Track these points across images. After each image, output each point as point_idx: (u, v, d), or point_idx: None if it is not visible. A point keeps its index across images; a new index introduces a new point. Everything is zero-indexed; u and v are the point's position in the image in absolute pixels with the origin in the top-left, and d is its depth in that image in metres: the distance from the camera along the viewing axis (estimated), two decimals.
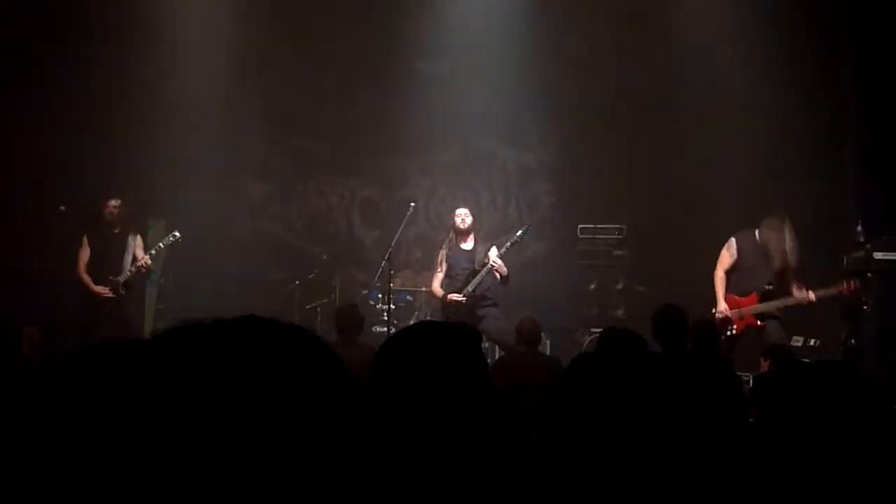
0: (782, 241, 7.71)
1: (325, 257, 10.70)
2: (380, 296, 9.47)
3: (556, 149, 11.32)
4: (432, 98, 10.91)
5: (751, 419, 5.04)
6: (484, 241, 8.77)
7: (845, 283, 7.63)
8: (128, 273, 8.54)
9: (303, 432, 0.70)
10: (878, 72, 9.60)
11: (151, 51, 10.25)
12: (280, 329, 0.76)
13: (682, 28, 10.41)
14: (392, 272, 9.00)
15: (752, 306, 7.73)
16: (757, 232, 7.91)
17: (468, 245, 8.66)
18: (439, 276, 8.71)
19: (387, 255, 8.81)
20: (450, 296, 8.42)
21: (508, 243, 8.52)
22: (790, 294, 7.72)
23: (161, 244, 8.60)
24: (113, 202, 8.59)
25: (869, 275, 8.49)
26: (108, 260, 8.55)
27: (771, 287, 7.73)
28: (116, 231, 8.62)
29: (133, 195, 8.86)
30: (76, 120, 9.73)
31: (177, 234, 8.59)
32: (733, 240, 7.93)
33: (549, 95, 10.89)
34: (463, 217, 8.66)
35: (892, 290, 8.43)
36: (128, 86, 10.05)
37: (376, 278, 9.19)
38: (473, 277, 8.44)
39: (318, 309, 10.01)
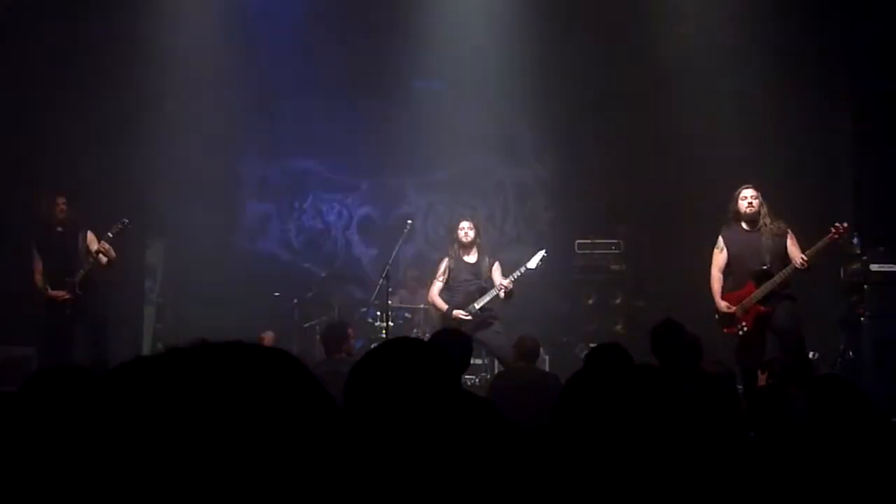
0: (782, 244, 7.51)
1: (323, 276, 10.71)
2: (378, 313, 9.47)
3: (553, 165, 11.36)
4: (429, 116, 10.95)
5: (752, 433, 5.04)
6: (486, 254, 8.71)
7: (833, 228, 7.27)
8: (82, 271, 8.35)
9: (278, 449, 0.72)
10: (876, 87, 9.66)
11: (148, 72, 10.27)
12: (261, 353, 0.79)
13: (677, 43, 10.47)
14: (390, 290, 9.00)
15: (752, 294, 7.43)
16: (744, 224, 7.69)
17: (471, 258, 8.61)
18: (438, 285, 8.64)
19: (385, 273, 8.81)
20: (455, 312, 8.34)
21: (521, 270, 8.44)
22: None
23: (110, 233, 8.27)
24: (60, 200, 8.39)
25: (866, 286, 8.50)
26: (61, 261, 8.34)
27: (766, 267, 7.41)
28: (61, 230, 8.40)
29: (131, 216, 8.80)
30: (74, 139, 9.75)
31: (126, 220, 8.33)
32: (720, 236, 7.71)
33: (546, 112, 10.93)
34: (466, 230, 8.61)
35: (889, 301, 8.43)
36: (126, 106, 10.07)
37: (374, 296, 9.19)
38: (480, 295, 8.39)
39: (317, 327, 10.02)
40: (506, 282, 8.29)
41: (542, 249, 8.64)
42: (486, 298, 8.35)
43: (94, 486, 0.71)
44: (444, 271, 8.60)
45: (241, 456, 0.71)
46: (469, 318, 8.25)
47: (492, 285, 8.43)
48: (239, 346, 0.78)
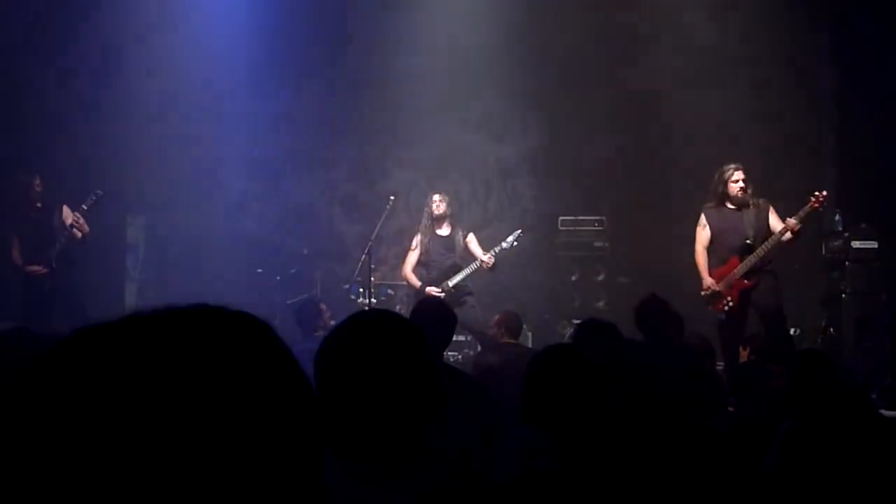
0: (764, 219, 7.49)
1: (305, 252, 10.67)
2: (361, 290, 9.45)
3: (536, 142, 11.33)
4: (412, 92, 10.89)
5: (731, 408, 5.07)
6: (460, 228, 8.67)
7: (812, 197, 7.27)
8: (58, 245, 8.34)
9: (248, 419, 0.69)
10: (857, 66, 9.68)
11: (133, 47, 10.18)
12: (230, 317, 0.75)
13: (662, 20, 10.45)
14: (372, 266, 8.98)
15: (736, 269, 7.42)
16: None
17: (444, 231, 8.57)
18: (412, 261, 8.60)
19: (367, 250, 8.78)
20: (428, 289, 8.33)
21: (499, 247, 8.40)
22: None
23: (84, 206, 8.26)
24: (36, 181, 8.41)
25: (847, 263, 8.54)
26: (38, 237, 8.37)
27: (749, 241, 7.40)
28: (39, 206, 8.43)
29: (112, 194, 8.74)
30: (51, 117, 9.66)
31: (99, 192, 8.32)
32: (703, 214, 7.69)
33: (529, 88, 10.91)
34: (437, 202, 8.57)
35: (870, 278, 8.48)
36: (106, 83, 9.99)
37: (357, 272, 9.17)
38: (455, 271, 8.37)
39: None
40: (485, 257, 8.27)
41: (518, 229, 8.63)
42: (462, 276, 8.33)
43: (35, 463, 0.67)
44: (417, 246, 8.57)
45: (204, 429, 0.68)
46: (442, 294, 8.22)
47: (469, 260, 8.41)
48: (202, 310, 0.75)
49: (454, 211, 8.81)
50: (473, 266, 8.32)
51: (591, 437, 2.44)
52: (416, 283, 8.47)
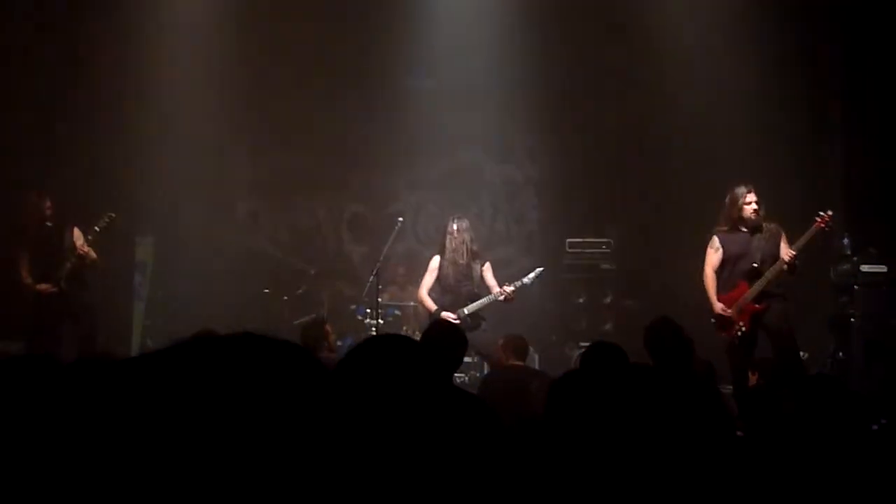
0: (775, 245, 7.47)
1: (312, 273, 10.68)
2: (368, 311, 9.44)
3: (543, 163, 11.35)
4: (420, 113, 10.94)
5: (739, 433, 5.04)
6: (479, 255, 8.60)
7: (818, 217, 7.24)
8: (68, 265, 8.37)
9: (296, 437, 0.75)
10: (866, 88, 9.68)
11: (139, 67, 10.23)
12: (273, 345, 0.82)
13: (667, 43, 10.47)
14: (380, 287, 8.97)
15: (746, 293, 7.39)
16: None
17: (463, 259, 8.49)
18: (427, 283, 8.55)
19: (375, 271, 8.77)
20: (444, 314, 8.26)
21: (520, 283, 8.38)
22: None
23: (96, 227, 8.32)
24: (46, 201, 8.45)
25: (856, 287, 8.51)
26: (47, 256, 8.40)
27: (757, 265, 7.38)
28: (49, 225, 8.46)
29: (120, 212, 8.77)
30: (62, 135, 9.71)
31: (112, 214, 8.38)
32: (715, 236, 7.64)
33: (537, 110, 10.92)
34: (458, 231, 8.42)
35: (879, 302, 8.44)
36: (115, 101, 10.04)
37: (364, 293, 9.17)
38: (470, 298, 8.34)
39: None
40: (509, 289, 8.26)
41: (540, 267, 8.64)
42: (478, 305, 8.31)
43: (91, 481, 0.72)
44: (435, 269, 8.52)
45: (249, 450, 0.73)
46: (458, 321, 8.17)
47: (484, 289, 8.38)
48: (247, 338, 0.80)
49: (475, 237, 8.75)
50: (491, 297, 8.31)
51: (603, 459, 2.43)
52: (432, 306, 8.42)
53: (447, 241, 8.48)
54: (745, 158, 9.95)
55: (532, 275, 8.47)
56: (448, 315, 8.20)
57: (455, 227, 8.51)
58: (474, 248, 8.52)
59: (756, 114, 10.18)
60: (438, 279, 8.48)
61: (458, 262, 8.42)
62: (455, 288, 8.40)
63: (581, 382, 2.09)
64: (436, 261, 8.53)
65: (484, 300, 8.31)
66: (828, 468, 3.26)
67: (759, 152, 10.01)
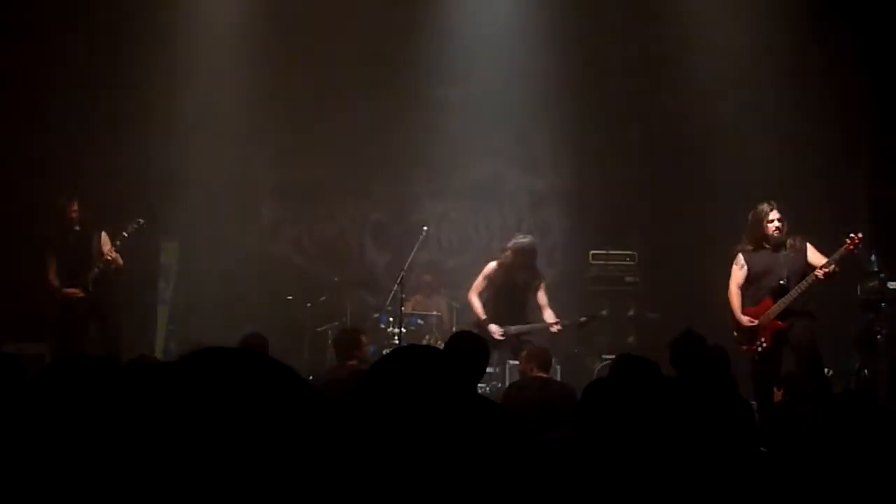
0: (801, 260, 7.42)
1: (336, 280, 10.72)
2: (391, 319, 9.46)
3: (568, 174, 11.35)
4: (445, 123, 10.97)
5: (762, 448, 5.00)
6: (538, 274, 8.66)
7: (848, 239, 7.17)
8: (95, 270, 8.47)
9: (284, 443, 0.87)
10: (894, 108, 9.62)
11: (167, 74, 10.31)
12: (266, 363, 0.95)
13: (696, 61, 10.44)
14: (403, 296, 9.00)
15: (770, 310, 7.38)
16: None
17: (524, 275, 8.52)
18: (480, 286, 8.62)
19: (399, 280, 8.80)
20: (492, 327, 8.35)
21: (572, 321, 8.64)
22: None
23: (125, 233, 8.47)
24: (74, 205, 8.54)
25: (883, 304, 8.44)
26: (75, 261, 8.50)
27: (784, 283, 7.34)
28: (77, 229, 8.56)
29: (146, 216, 8.84)
30: (89, 141, 9.80)
31: (140, 220, 8.53)
32: (740, 254, 7.62)
33: (561, 121, 10.93)
34: (524, 249, 8.55)
35: None
36: (141, 108, 10.12)
37: (388, 302, 9.20)
38: (522, 320, 8.47)
39: (329, 332, 10.00)
40: (555, 327, 8.46)
41: (603, 310, 9.18)
42: (528, 329, 8.41)
43: (106, 477, 0.78)
44: (493, 276, 8.56)
45: (235, 455, 0.79)
46: (503, 338, 8.27)
47: (535, 306, 8.50)
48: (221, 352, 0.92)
49: (538, 256, 8.84)
50: (541, 326, 8.42)
51: (629, 466, 2.43)
52: (481, 313, 8.50)
53: (513, 254, 8.54)
54: (770, 173, 9.90)
55: (584, 318, 8.79)
56: (495, 330, 8.27)
57: (533, 246, 8.66)
58: (535, 266, 8.60)
59: (783, 129, 10.12)
60: (491, 285, 8.54)
61: (518, 275, 8.46)
62: (509, 298, 8.48)
63: (612, 391, 2.09)
64: (493, 267, 8.58)
65: (536, 326, 8.40)
66: (856, 483, 3.23)
67: (784, 168, 9.95)
